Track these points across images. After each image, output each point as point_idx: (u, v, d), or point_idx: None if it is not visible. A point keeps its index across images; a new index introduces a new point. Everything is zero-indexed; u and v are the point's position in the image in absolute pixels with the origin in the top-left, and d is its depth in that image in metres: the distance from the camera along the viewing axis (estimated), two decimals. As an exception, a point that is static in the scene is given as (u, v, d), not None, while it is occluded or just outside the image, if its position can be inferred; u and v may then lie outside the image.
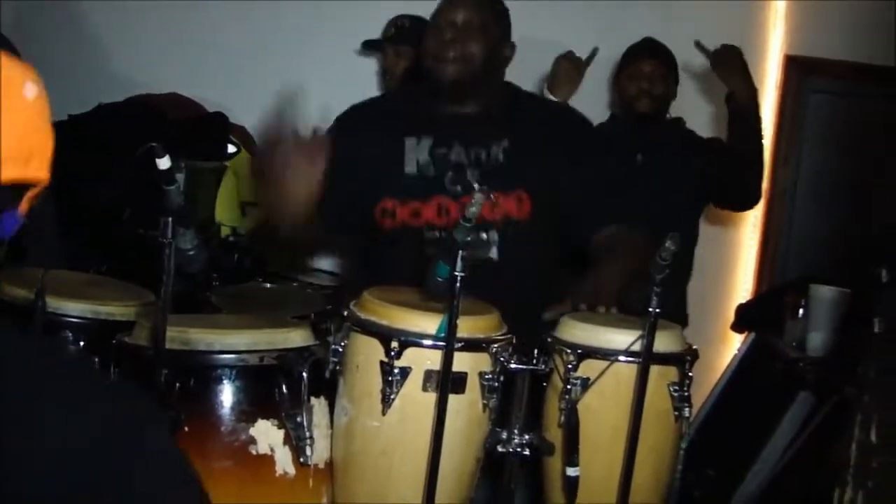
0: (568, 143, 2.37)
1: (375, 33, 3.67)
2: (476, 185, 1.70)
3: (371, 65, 3.82)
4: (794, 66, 4.25)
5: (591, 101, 3.81)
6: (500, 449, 1.81)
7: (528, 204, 2.29)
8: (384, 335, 1.73)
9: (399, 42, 3.40)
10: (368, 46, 3.65)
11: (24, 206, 1.18)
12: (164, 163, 1.54)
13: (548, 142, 2.34)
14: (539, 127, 2.38)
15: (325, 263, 3.56)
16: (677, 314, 3.00)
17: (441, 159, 2.32)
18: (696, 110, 3.70)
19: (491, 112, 2.36)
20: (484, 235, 2.25)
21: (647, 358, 1.74)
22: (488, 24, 2.31)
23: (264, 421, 1.74)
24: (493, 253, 2.28)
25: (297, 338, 1.84)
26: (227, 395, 1.74)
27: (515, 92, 2.47)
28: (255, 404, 1.75)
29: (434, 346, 1.71)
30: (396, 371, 1.71)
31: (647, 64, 3.22)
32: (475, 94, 2.34)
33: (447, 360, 1.62)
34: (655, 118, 3.24)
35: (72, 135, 3.46)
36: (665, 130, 3.29)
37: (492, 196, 1.63)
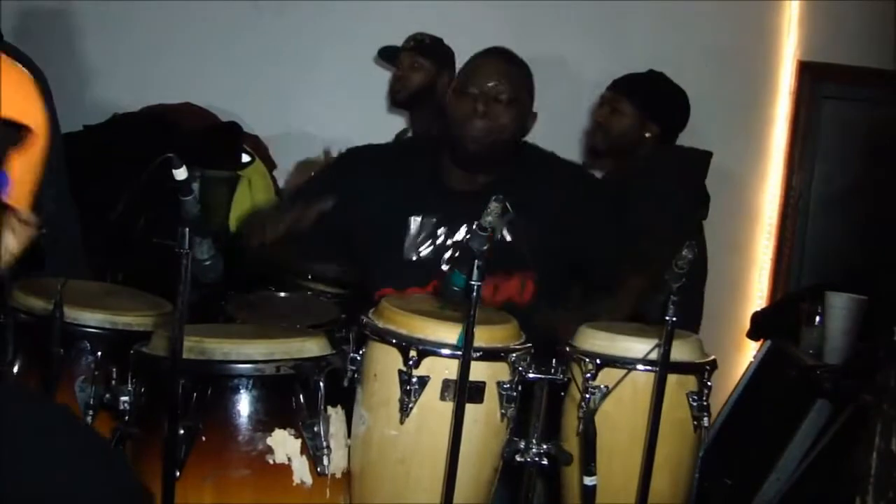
0: (580, 212, 2.26)
1: (387, 44, 3.68)
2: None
3: (382, 76, 3.82)
4: (808, 72, 4.24)
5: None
6: (517, 458, 1.81)
7: (530, 288, 2.22)
8: (402, 344, 1.73)
9: (417, 54, 3.40)
10: (385, 53, 3.65)
11: (12, 167, 1.18)
12: (180, 173, 1.55)
13: (558, 213, 2.24)
14: (550, 197, 2.26)
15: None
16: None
17: (442, 237, 2.25)
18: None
19: (502, 183, 2.17)
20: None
21: (663, 366, 1.74)
22: (521, 97, 2.24)
23: (281, 430, 1.74)
24: None
25: (313, 347, 1.84)
26: (244, 404, 1.74)
27: (528, 153, 2.36)
28: (272, 414, 1.75)
29: (452, 356, 1.71)
30: (414, 380, 1.71)
31: (608, 94, 3.06)
32: (491, 168, 2.26)
33: (464, 370, 1.62)
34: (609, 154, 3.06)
35: (87, 145, 3.47)
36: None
37: (507, 204, 1.62)
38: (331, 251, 2.38)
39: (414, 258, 2.26)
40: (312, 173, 2.86)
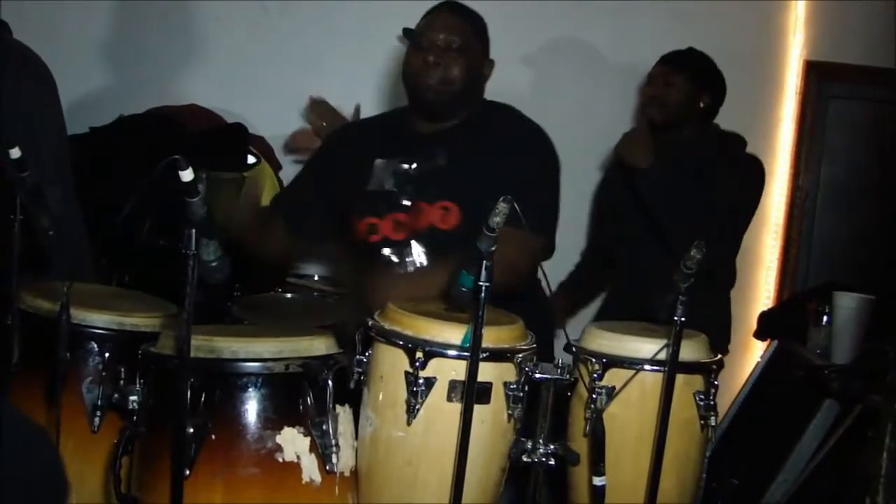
0: (517, 164, 2.30)
1: (393, 43, 3.68)
2: None
3: (388, 76, 3.82)
4: (814, 72, 4.22)
5: (609, 110, 3.83)
6: (524, 459, 1.80)
7: (454, 215, 2.30)
8: (409, 345, 1.73)
9: None
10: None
11: None
12: (186, 175, 1.54)
13: (496, 153, 2.32)
14: (491, 139, 2.37)
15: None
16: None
17: (402, 173, 2.37)
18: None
19: (460, 126, 2.40)
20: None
21: (672, 366, 1.74)
22: (471, 45, 2.36)
23: (290, 429, 1.74)
24: (421, 261, 2.32)
25: (321, 346, 1.83)
26: (252, 402, 1.74)
27: (492, 106, 2.48)
28: (281, 412, 1.75)
29: (459, 357, 1.71)
30: (421, 381, 1.71)
31: (658, 69, 3.16)
32: (453, 113, 2.39)
33: (472, 371, 1.61)
34: (667, 127, 3.11)
35: (93, 146, 3.48)
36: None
37: (515, 205, 1.62)
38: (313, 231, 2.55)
39: (378, 191, 2.39)
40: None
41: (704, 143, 3.10)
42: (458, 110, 2.39)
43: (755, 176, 3.15)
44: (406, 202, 2.36)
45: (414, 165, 2.38)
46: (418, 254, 2.33)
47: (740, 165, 3.12)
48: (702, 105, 3.13)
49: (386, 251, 2.36)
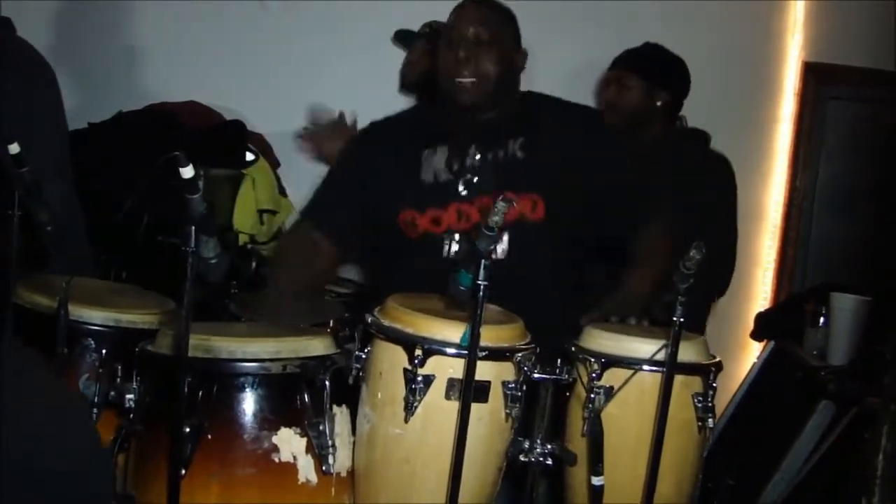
0: (587, 145, 2.36)
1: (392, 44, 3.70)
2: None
3: (389, 75, 3.82)
4: (813, 73, 4.24)
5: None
6: (522, 458, 1.80)
7: (541, 207, 2.28)
8: (408, 343, 1.72)
9: (431, 40, 3.42)
10: (401, 37, 3.67)
11: None
12: (187, 172, 1.54)
13: (566, 143, 2.34)
14: (557, 127, 2.37)
15: (345, 272, 3.56)
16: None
17: (457, 164, 2.34)
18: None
19: (508, 116, 2.37)
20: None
21: (670, 367, 1.73)
22: (500, 36, 2.32)
23: (287, 429, 1.74)
24: (502, 253, 2.27)
25: (318, 346, 1.83)
26: (249, 403, 1.74)
27: (533, 96, 2.47)
28: (278, 412, 1.75)
29: (458, 355, 1.70)
30: (420, 379, 1.70)
31: (611, 72, 3.12)
32: (491, 106, 2.35)
33: (470, 369, 1.61)
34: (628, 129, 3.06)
35: (91, 143, 3.47)
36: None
37: (514, 203, 1.62)
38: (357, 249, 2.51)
39: (431, 182, 2.34)
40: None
41: (666, 142, 3.06)
42: (496, 104, 2.35)
43: (719, 174, 3.10)
44: (466, 192, 2.32)
45: (478, 156, 2.34)
46: (502, 245, 2.28)
47: (703, 164, 3.08)
48: (660, 104, 3.07)
49: (453, 244, 2.32)
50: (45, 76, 2.64)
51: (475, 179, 2.33)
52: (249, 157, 3.73)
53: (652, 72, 3.07)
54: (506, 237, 2.26)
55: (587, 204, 2.32)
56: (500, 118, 2.37)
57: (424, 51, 3.43)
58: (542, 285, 2.28)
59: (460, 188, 2.33)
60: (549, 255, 2.32)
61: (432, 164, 2.35)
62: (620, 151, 2.48)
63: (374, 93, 3.86)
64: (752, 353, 3.99)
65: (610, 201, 2.34)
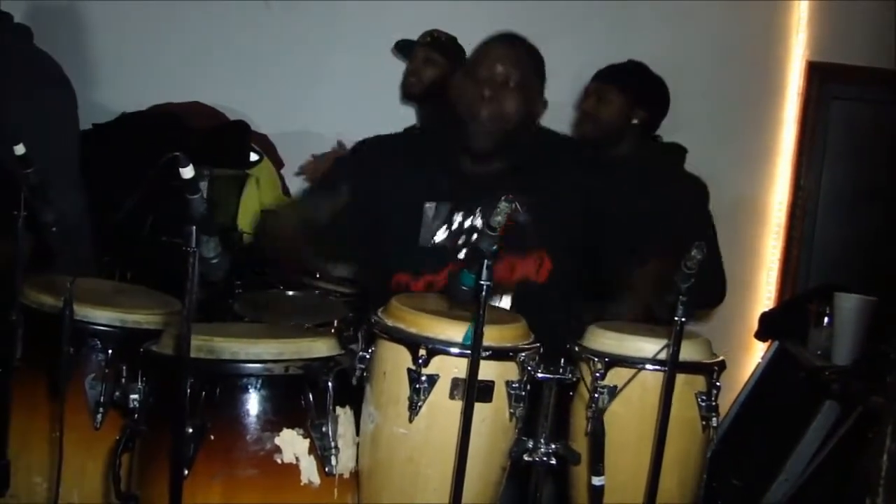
0: (596, 192, 2.26)
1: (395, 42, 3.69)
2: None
3: (392, 76, 3.82)
4: (817, 73, 4.23)
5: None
6: (526, 458, 1.80)
7: (547, 266, 2.22)
8: (412, 343, 1.73)
9: (432, 49, 3.43)
10: (401, 46, 3.67)
11: None
12: (187, 172, 1.54)
13: (573, 192, 2.25)
14: (565, 177, 2.27)
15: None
16: None
17: (457, 224, 2.25)
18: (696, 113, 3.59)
19: (516, 169, 2.24)
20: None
21: (672, 366, 1.73)
22: (528, 82, 2.21)
23: (289, 430, 1.74)
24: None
25: (322, 347, 1.83)
26: (252, 404, 1.74)
27: (544, 141, 2.35)
28: (281, 413, 1.75)
29: (461, 355, 1.70)
30: (424, 378, 1.71)
31: (592, 84, 3.12)
32: (503, 153, 2.23)
33: (473, 369, 1.61)
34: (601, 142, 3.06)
35: (95, 143, 3.48)
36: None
37: (517, 206, 1.62)
38: (344, 248, 2.37)
39: (429, 244, 2.24)
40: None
41: (639, 158, 3.03)
42: (507, 150, 2.22)
43: (687, 193, 3.02)
44: (464, 257, 2.21)
45: (479, 213, 2.22)
46: (505, 306, 2.21)
47: (673, 183, 3.02)
48: (636, 121, 3.06)
49: None
50: (62, 86, 2.67)
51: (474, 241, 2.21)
52: (253, 157, 3.74)
53: (632, 88, 3.07)
54: (508, 299, 2.21)
55: (586, 247, 2.26)
56: (509, 172, 2.24)
57: (426, 59, 3.44)
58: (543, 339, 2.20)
59: (460, 252, 2.22)
60: (553, 313, 2.24)
61: (432, 224, 2.24)
62: (625, 197, 2.36)
63: (377, 93, 3.88)
64: (756, 353, 3.99)
65: (606, 236, 2.26)
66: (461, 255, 2.22)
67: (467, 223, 2.24)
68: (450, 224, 2.25)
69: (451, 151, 2.27)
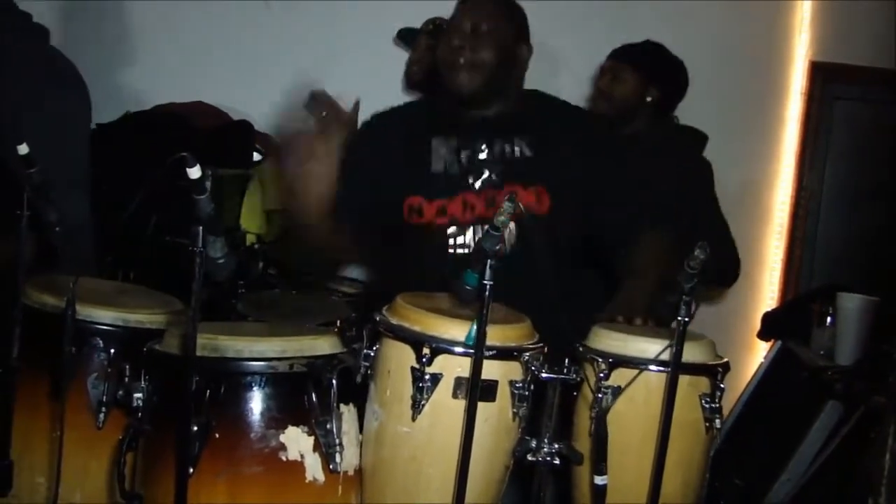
0: (590, 146, 2.39)
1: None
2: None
3: (394, 74, 3.82)
4: (820, 73, 4.23)
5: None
6: (529, 457, 1.80)
7: (547, 200, 2.32)
8: (416, 341, 1.73)
9: (435, 37, 3.41)
10: (404, 35, 3.67)
11: None
12: (194, 172, 1.54)
13: (570, 143, 2.37)
14: (562, 127, 2.40)
15: (351, 272, 3.57)
16: None
17: (465, 158, 2.36)
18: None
19: (514, 112, 2.39)
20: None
21: (675, 366, 1.73)
22: (499, 27, 2.33)
23: (294, 428, 1.74)
24: (509, 244, 2.27)
25: (325, 345, 1.84)
26: (256, 401, 1.74)
27: (538, 95, 2.49)
28: (285, 411, 1.75)
29: (465, 354, 1.70)
30: (427, 377, 1.71)
31: (608, 62, 3.18)
32: (493, 98, 2.37)
33: (476, 368, 1.62)
34: (616, 120, 3.11)
35: (99, 143, 3.49)
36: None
37: (521, 206, 1.62)
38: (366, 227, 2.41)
39: (441, 172, 2.36)
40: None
41: (651, 137, 3.08)
42: (498, 97, 2.37)
43: (693, 176, 3.10)
44: (478, 184, 2.35)
45: (485, 150, 2.36)
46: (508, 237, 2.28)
47: (684, 165, 3.08)
48: (650, 99, 3.12)
49: (457, 235, 2.34)
50: (74, 87, 2.69)
51: (483, 172, 2.35)
52: (256, 157, 3.74)
53: (647, 67, 3.12)
54: (512, 227, 2.25)
55: (588, 203, 2.35)
56: (505, 114, 2.39)
57: (428, 48, 3.42)
58: (545, 277, 2.25)
59: (470, 180, 2.35)
60: (553, 247, 2.31)
61: (441, 154, 2.37)
62: (620, 157, 2.49)
63: (380, 92, 3.86)
64: (758, 352, 3.99)
65: (609, 204, 2.37)
66: (474, 183, 2.34)
67: (475, 154, 2.37)
68: (458, 157, 2.37)
69: (450, 101, 2.39)
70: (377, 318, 1.84)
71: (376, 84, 3.93)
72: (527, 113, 2.41)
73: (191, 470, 1.64)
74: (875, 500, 1.91)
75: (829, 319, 3.14)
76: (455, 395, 1.73)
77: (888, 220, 4.18)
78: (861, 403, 2.72)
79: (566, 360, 1.84)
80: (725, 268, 3.11)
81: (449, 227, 2.34)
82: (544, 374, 1.79)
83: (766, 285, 4.31)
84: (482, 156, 2.37)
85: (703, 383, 1.87)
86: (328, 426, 1.76)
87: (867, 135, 4.34)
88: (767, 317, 3.77)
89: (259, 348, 1.77)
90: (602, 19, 4.06)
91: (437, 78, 2.44)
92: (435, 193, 2.35)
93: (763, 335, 3.74)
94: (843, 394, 2.87)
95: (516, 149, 2.36)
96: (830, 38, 4.20)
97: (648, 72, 3.12)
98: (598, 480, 1.79)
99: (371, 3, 4.03)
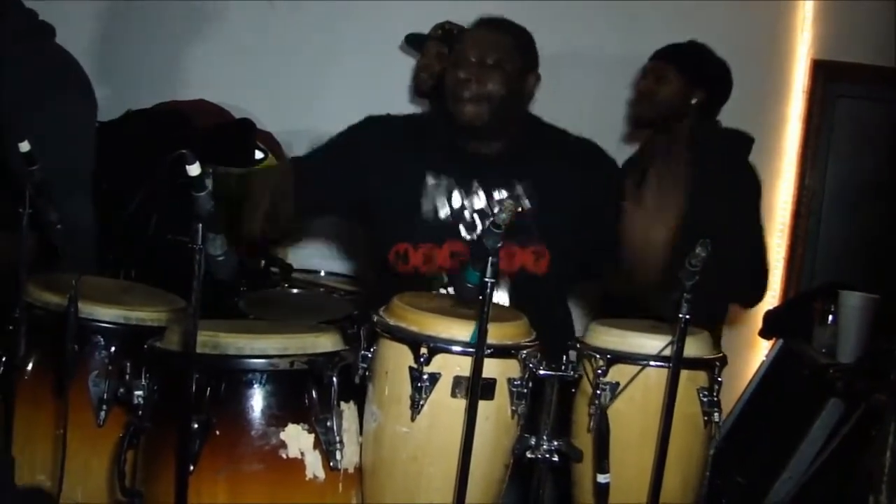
0: (593, 187, 2.29)
1: (400, 41, 3.68)
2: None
3: (397, 73, 3.82)
4: (822, 71, 4.22)
5: (615, 111, 3.82)
6: (528, 455, 1.81)
7: (545, 260, 2.26)
8: (413, 341, 1.73)
9: (444, 43, 3.36)
10: (412, 40, 3.62)
11: None
12: (194, 169, 1.55)
13: (572, 183, 2.29)
14: (563, 164, 2.32)
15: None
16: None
17: (458, 201, 2.30)
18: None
19: (514, 151, 2.33)
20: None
21: (676, 363, 1.74)
22: (508, 59, 2.26)
23: (294, 425, 1.75)
24: (504, 301, 2.25)
25: (326, 342, 1.84)
26: (257, 399, 1.75)
27: (539, 127, 2.42)
28: (286, 409, 1.76)
29: (463, 353, 1.71)
30: (426, 377, 1.71)
31: (650, 63, 3.08)
32: (496, 133, 2.31)
33: (477, 366, 1.62)
34: (658, 124, 3.04)
35: (100, 141, 3.49)
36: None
37: (521, 206, 1.62)
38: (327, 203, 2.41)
39: (431, 217, 2.30)
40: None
41: (697, 142, 2.97)
42: (501, 132, 2.31)
43: (742, 186, 2.99)
44: (469, 236, 2.28)
45: (481, 194, 2.29)
46: (500, 295, 2.25)
47: (731, 172, 2.97)
48: (694, 101, 3.01)
49: (441, 286, 2.28)
50: (78, 86, 2.69)
51: (476, 225, 2.29)
52: (258, 155, 3.74)
53: (692, 68, 3.01)
54: (506, 288, 2.25)
55: (591, 251, 2.27)
56: (504, 154, 2.32)
57: (437, 53, 3.37)
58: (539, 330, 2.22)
59: (461, 230, 2.29)
60: (550, 305, 2.30)
61: (433, 197, 2.30)
62: (621, 188, 2.39)
63: (382, 91, 3.88)
64: (760, 351, 3.98)
65: (606, 239, 2.23)
66: (465, 235, 2.28)
67: (467, 203, 2.30)
68: (450, 199, 2.31)
69: (454, 133, 2.33)
70: (374, 319, 1.84)
71: (379, 85, 3.95)
72: (527, 151, 2.33)
73: (191, 467, 1.65)
74: (876, 498, 1.91)
75: (830, 317, 3.14)
76: (454, 395, 1.73)
77: (890, 219, 4.17)
78: (862, 401, 2.72)
79: (564, 357, 1.84)
80: (747, 284, 3.02)
81: (434, 276, 2.28)
82: (542, 371, 1.80)
83: (768, 283, 4.30)
84: (477, 204, 2.29)
85: (701, 377, 1.87)
86: (329, 424, 1.76)
87: (869, 133, 4.33)
88: (769, 315, 3.76)
89: (260, 346, 1.78)
90: (602, 20, 4.06)
91: (446, 102, 2.37)
92: (422, 239, 2.28)
93: (765, 333, 3.73)
94: (844, 392, 2.86)
95: (515, 198, 2.26)
96: (832, 37, 4.19)
97: (693, 73, 3.01)
98: (601, 479, 1.80)
99: (375, 4, 4.03)
